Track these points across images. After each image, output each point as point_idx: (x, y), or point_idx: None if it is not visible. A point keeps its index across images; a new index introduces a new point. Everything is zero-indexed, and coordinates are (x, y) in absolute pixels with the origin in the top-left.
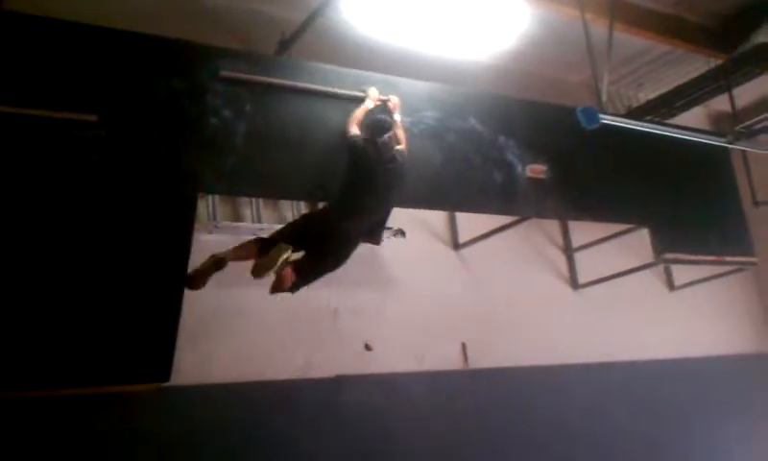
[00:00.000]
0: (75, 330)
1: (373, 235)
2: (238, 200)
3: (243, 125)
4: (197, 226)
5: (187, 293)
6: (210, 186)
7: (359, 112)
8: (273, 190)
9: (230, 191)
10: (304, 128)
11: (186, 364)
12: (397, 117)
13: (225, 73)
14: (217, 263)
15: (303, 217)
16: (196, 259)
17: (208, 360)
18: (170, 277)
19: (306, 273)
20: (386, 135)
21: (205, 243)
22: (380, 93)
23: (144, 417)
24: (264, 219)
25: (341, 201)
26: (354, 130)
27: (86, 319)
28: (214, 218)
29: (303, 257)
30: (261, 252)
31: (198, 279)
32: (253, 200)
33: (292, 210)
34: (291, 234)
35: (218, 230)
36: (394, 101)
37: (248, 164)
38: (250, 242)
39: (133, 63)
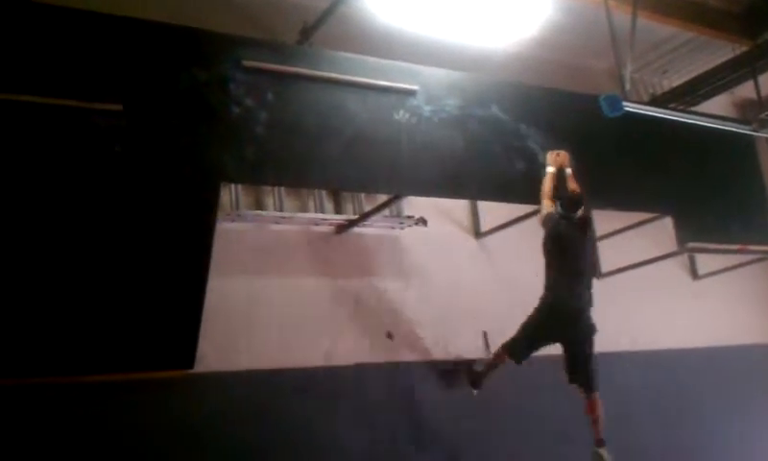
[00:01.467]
0: (99, 318)
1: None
2: (260, 188)
3: (265, 114)
4: (219, 214)
5: (211, 281)
6: (232, 175)
7: (546, 183)
8: (294, 179)
9: (252, 180)
10: (326, 116)
11: (210, 352)
12: (569, 171)
13: (246, 62)
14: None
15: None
16: (219, 247)
17: (232, 348)
18: (194, 264)
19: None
20: (580, 211)
21: (228, 231)
22: (552, 151)
23: (168, 404)
24: (286, 208)
25: (554, 277)
26: (546, 205)
27: (111, 306)
28: (237, 207)
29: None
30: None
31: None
32: (276, 188)
33: (314, 199)
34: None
35: (240, 219)
36: (563, 154)
37: (269, 153)
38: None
39: (156, 53)
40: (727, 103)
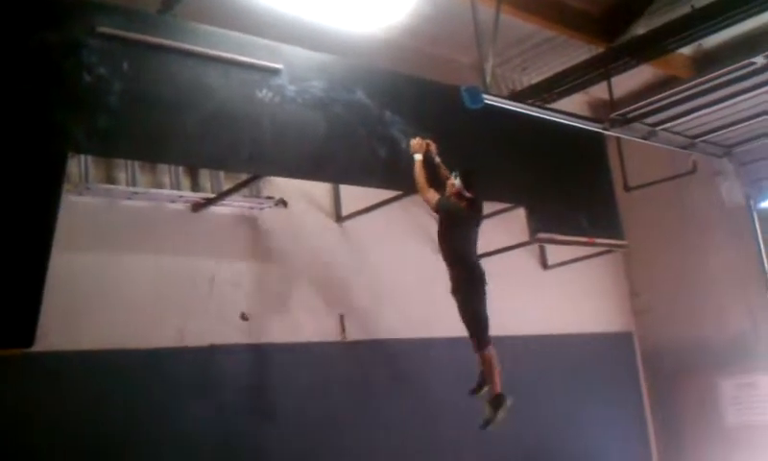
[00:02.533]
0: None
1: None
2: (112, 162)
3: (119, 84)
4: (67, 187)
5: (55, 256)
6: (82, 146)
7: (419, 173)
8: (149, 153)
9: (103, 152)
10: (185, 90)
11: (52, 330)
12: (438, 159)
13: (101, 28)
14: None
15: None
16: (65, 221)
17: (76, 326)
18: (35, 237)
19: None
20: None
21: (76, 205)
22: (416, 139)
23: (4, 384)
24: (139, 183)
25: (457, 260)
26: (432, 195)
27: None
28: (86, 180)
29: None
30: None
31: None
32: (129, 162)
33: (170, 175)
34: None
35: (89, 193)
36: (428, 142)
37: (123, 125)
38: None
39: (3, 13)
40: (582, 102)
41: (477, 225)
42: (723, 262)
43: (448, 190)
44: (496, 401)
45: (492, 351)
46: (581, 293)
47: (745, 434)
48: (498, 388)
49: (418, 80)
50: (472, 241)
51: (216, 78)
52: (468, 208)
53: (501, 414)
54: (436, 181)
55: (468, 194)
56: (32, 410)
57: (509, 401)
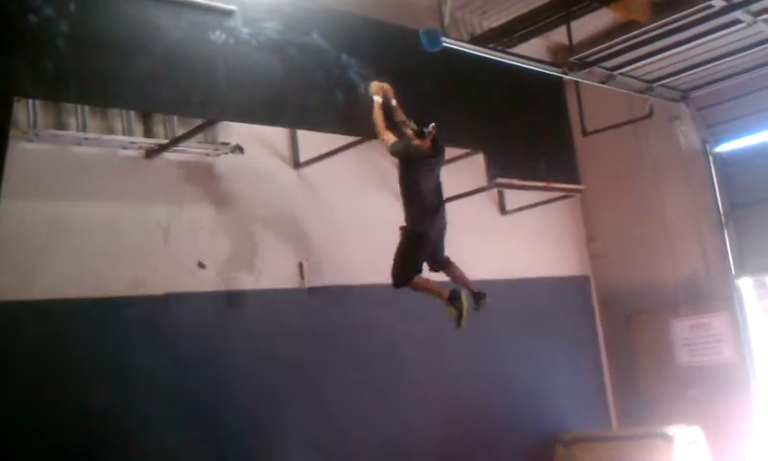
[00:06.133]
0: None
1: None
2: (62, 107)
3: (66, 25)
4: (14, 133)
5: (4, 204)
6: (28, 90)
7: (378, 116)
8: (99, 98)
9: (51, 96)
10: (135, 32)
11: (3, 280)
12: (394, 102)
13: None
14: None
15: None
16: (13, 168)
17: (28, 276)
18: None
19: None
20: (430, 126)
21: (25, 152)
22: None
23: None
24: (90, 129)
25: (411, 203)
26: (389, 137)
27: None
28: (34, 125)
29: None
30: None
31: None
32: (79, 107)
33: (122, 121)
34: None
35: (39, 139)
36: (388, 86)
37: (71, 68)
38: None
39: None
40: (542, 46)
41: (437, 165)
42: (678, 206)
43: (408, 133)
44: (452, 297)
45: (418, 278)
46: (539, 238)
47: (696, 373)
48: (445, 294)
49: (375, 22)
50: (424, 182)
51: (167, 19)
52: (430, 148)
53: (463, 305)
54: (391, 124)
55: (426, 130)
56: None
57: (464, 294)
